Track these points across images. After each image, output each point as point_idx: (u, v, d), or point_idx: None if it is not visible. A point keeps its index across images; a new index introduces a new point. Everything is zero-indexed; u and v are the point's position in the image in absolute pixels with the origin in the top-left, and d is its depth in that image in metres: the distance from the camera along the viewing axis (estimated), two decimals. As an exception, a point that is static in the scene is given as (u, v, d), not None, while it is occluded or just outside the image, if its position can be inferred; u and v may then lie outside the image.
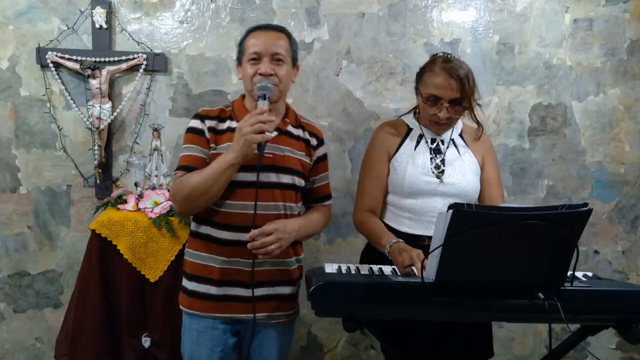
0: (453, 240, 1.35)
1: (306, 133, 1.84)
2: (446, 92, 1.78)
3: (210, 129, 1.74)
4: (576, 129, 2.70)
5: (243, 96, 1.84)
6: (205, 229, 1.76)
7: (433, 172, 1.85)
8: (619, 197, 2.74)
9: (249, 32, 1.78)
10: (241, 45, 1.78)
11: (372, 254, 1.90)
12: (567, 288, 1.44)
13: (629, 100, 2.70)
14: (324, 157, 1.89)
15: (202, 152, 1.74)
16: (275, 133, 1.72)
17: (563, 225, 1.36)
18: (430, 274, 1.43)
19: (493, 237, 1.36)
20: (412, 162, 1.87)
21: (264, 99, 1.64)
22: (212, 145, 1.74)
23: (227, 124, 1.76)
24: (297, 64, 1.83)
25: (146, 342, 2.26)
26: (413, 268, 1.57)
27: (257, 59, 1.71)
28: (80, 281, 2.26)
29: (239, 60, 1.80)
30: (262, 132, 1.56)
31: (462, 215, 1.34)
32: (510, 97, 2.67)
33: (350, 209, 2.66)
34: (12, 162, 2.57)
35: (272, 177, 1.72)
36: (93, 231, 2.23)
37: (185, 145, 1.77)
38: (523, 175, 2.69)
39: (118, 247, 2.22)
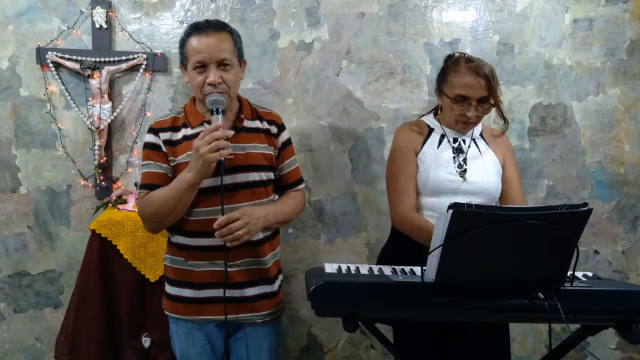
0: (453, 240, 1.35)
1: (265, 123, 1.80)
2: (475, 91, 1.79)
3: (166, 142, 1.73)
4: (576, 129, 2.70)
5: (194, 99, 1.79)
6: (179, 239, 1.76)
7: (456, 171, 1.86)
8: (619, 197, 2.74)
9: (189, 33, 1.70)
10: (183, 48, 1.72)
11: (395, 253, 1.90)
12: (567, 288, 1.44)
13: (629, 100, 2.70)
14: (287, 142, 1.85)
15: (161, 168, 1.72)
16: (230, 147, 1.65)
17: (563, 225, 1.36)
18: (430, 274, 1.43)
19: (493, 237, 1.36)
20: (436, 161, 1.87)
21: (217, 112, 1.62)
22: (170, 158, 1.72)
23: (182, 132, 1.74)
24: (244, 60, 1.79)
25: (146, 342, 2.27)
26: None
27: (202, 67, 1.66)
28: (80, 281, 2.27)
29: (183, 64, 1.75)
30: (219, 149, 1.55)
31: (462, 215, 1.34)
32: (510, 97, 2.67)
33: (350, 208, 2.67)
34: (12, 162, 2.57)
35: (239, 178, 1.70)
36: (93, 231, 2.23)
37: (144, 162, 1.76)
38: (523, 175, 2.68)
39: (118, 247, 2.22)
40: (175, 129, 1.75)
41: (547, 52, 2.66)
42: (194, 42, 1.67)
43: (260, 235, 1.76)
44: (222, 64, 1.67)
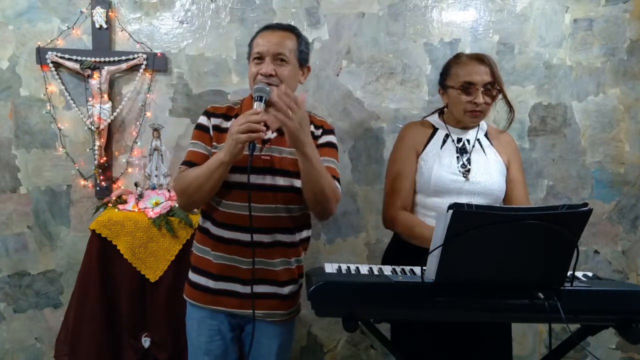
0: (453, 240, 1.35)
1: (312, 127, 1.78)
2: (480, 76, 1.82)
3: (215, 127, 1.76)
4: (576, 129, 2.70)
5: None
6: (207, 225, 1.79)
7: (459, 171, 1.86)
8: (619, 197, 2.74)
9: (259, 31, 1.77)
10: (250, 45, 1.78)
11: (396, 253, 1.90)
12: (567, 288, 1.44)
13: (629, 100, 2.70)
14: (328, 144, 1.80)
15: (205, 149, 1.76)
16: (271, 134, 1.72)
17: (563, 225, 1.36)
18: (430, 274, 1.43)
19: (493, 237, 1.36)
20: (439, 160, 1.87)
21: (260, 100, 1.63)
22: (214, 143, 1.76)
23: (232, 121, 1.76)
24: (308, 65, 1.81)
25: (146, 342, 2.27)
26: None
27: (260, 58, 1.71)
28: (80, 281, 2.27)
29: (249, 59, 1.79)
30: (250, 131, 1.54)
31: (462, 215, 1.34)
32: (510, 97, 2.61)
33: (350, 208, 2.67)
34: (12, 162, 2.57)
35: (268, 179, 1.71)
36: (93, 231, 2.23)
37: (191, 141, 1.80)
38: (523, 175, 2.69)
39: (118, 247, 2.22)
40: (227, 117, 1.78)
41: (547, 52, 2.66)
42: (259, 38, 1.74)
43: (296, 238, 1.78)
44: (278, 58, 1.70)
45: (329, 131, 1.82)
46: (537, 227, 1.34)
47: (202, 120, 1.79)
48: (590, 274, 1.70)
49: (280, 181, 1.73)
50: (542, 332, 2.76)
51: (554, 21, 2.66)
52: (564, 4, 2.65)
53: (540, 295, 1.40)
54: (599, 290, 1.50)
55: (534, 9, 2.65)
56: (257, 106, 1.61)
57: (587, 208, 1.37)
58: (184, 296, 1.85)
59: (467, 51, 2.58)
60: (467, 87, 1.83)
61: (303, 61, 1.77)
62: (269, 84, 1.66)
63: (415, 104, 2.64)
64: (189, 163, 1.74)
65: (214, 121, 1.77)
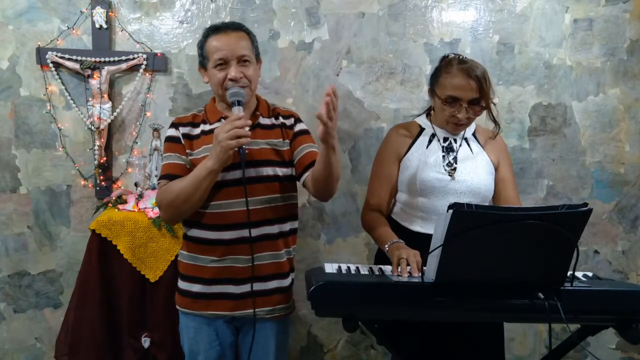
0: (453, 240, 1.35)
1: (280, 118, 1.85)
2: (465, 92, 1.79)
3: (185, 135, 1.79)
4: (576, 129, 2.70)
5: (214, 99, 1.85)
6: (195, 232, 1.78)
7: (445, 170, 1.86)
8: (619, 197, 2.74)
9: (208, 34, 1.77)
10: (203, 49, 1.78)
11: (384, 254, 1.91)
12: (567, 288, 1.44)
13: (629, 100, 2.70)
14: (304, 132, 1.86)
15: (180, 159, 1.77)
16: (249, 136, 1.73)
17: (563, 225, 1.36)
18: (430, 274, 1.43)
19: (493, 237, 1.36)
20: (425, 160, 1.88)
21: (238, 104, 1.66)
22: (187, 150, 1.77)
23: (200, 128, 1.80)
24: (260, 59, 1.85)
25: (146, 342, 2.26)
26: (407, 268, 1.57)
27: (223, 63, 1.72)
28: (80, 281, 2.27)
29: (202, 65, 1.80)
30: (238, 137, 1.58)
31: (462, 216, 1.34)
32: (510, 97, 2.67)
33: (350, 208, 2.67)
34: (12, 162, 2.57)
35: (252, 172, 1.73)
36: (93, 231, 2.23)
37: (165, 154, 1.81)
38: (523, 175, 2.69)
39: (118, 247, 2.22)
40: (194, 124, 1.81)
41: (547, 52, 2.66)
42: (213, 41, 1.74)
43: (276, 230, 1.78)
44: (242, 60, 1.73)
45: (299, 119, 1.89)
46: (537, 227, 1.34)
47: (171, 132, 1.81)
48: (590, 274, 1.70)
49: (264, 172, 1.75)
50: (542, 332, 2.76)
51: (554, 21, 2.65)
52: (564, 4, 2.65)
53: (540, 295, 1.40)
54: (599, 290, 1.50)
55: (534, 9, 2.65)
56: (238, 111, 1.65)
57: (587, 208, 1.37)
58: (176, 306, 1.84)
59: (467, 51, 2.59)
60: (451, 101, 1.82)
61: (257, 57, 1.82)
62: (241, 87, 1.70)
63: (415, 104, 2.64)
64: (169, 176, 1.75)
65: (183, 130, 1.79)
